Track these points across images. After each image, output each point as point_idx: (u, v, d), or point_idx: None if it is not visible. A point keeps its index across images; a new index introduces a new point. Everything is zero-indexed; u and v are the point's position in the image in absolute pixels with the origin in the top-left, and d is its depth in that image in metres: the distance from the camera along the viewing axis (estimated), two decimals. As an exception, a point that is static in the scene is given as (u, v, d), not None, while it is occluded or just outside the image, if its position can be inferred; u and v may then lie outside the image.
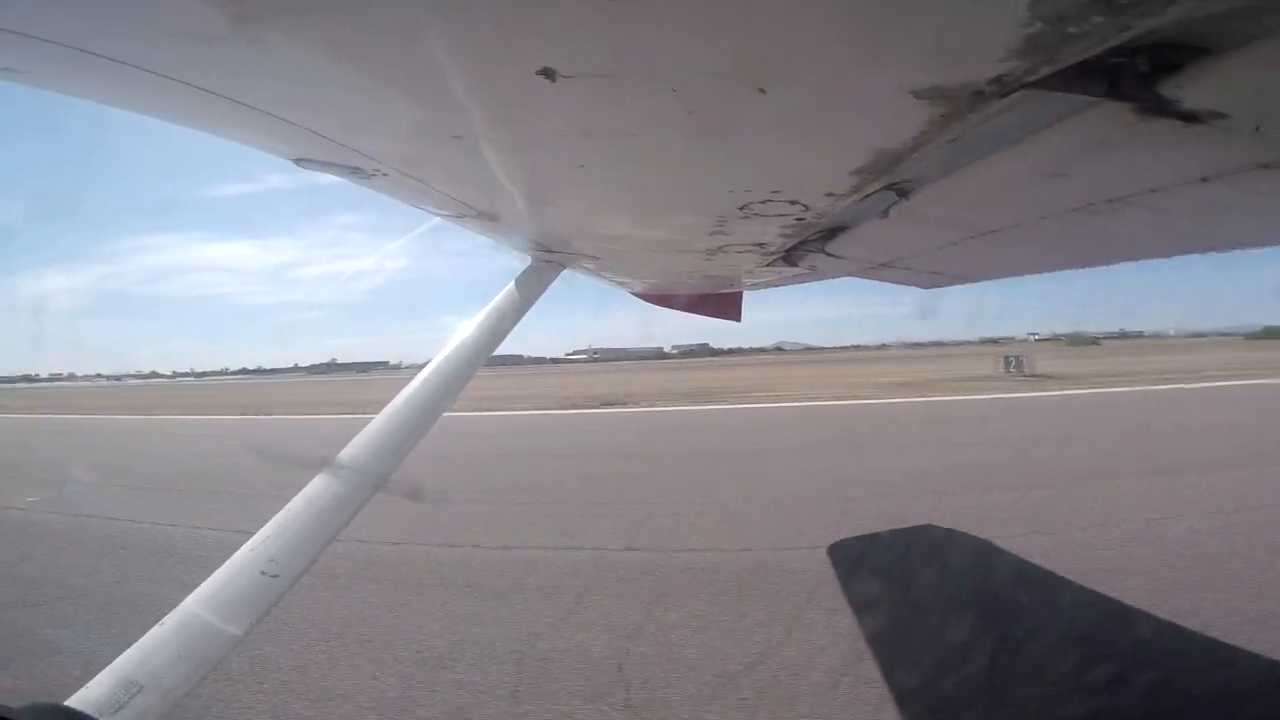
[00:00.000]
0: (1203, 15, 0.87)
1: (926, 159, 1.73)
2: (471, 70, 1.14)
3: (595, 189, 1.84)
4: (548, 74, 1.08)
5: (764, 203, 1.95)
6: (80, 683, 1.47)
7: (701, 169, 1.62)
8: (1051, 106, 1.23)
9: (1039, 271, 2.71)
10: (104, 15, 0.98)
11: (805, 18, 0.93)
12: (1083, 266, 2.43)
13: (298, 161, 1.79)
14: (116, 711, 1.40)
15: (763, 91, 1.12)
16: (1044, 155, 1.39)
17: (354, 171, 1.82)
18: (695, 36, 0.98)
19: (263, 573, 1.82)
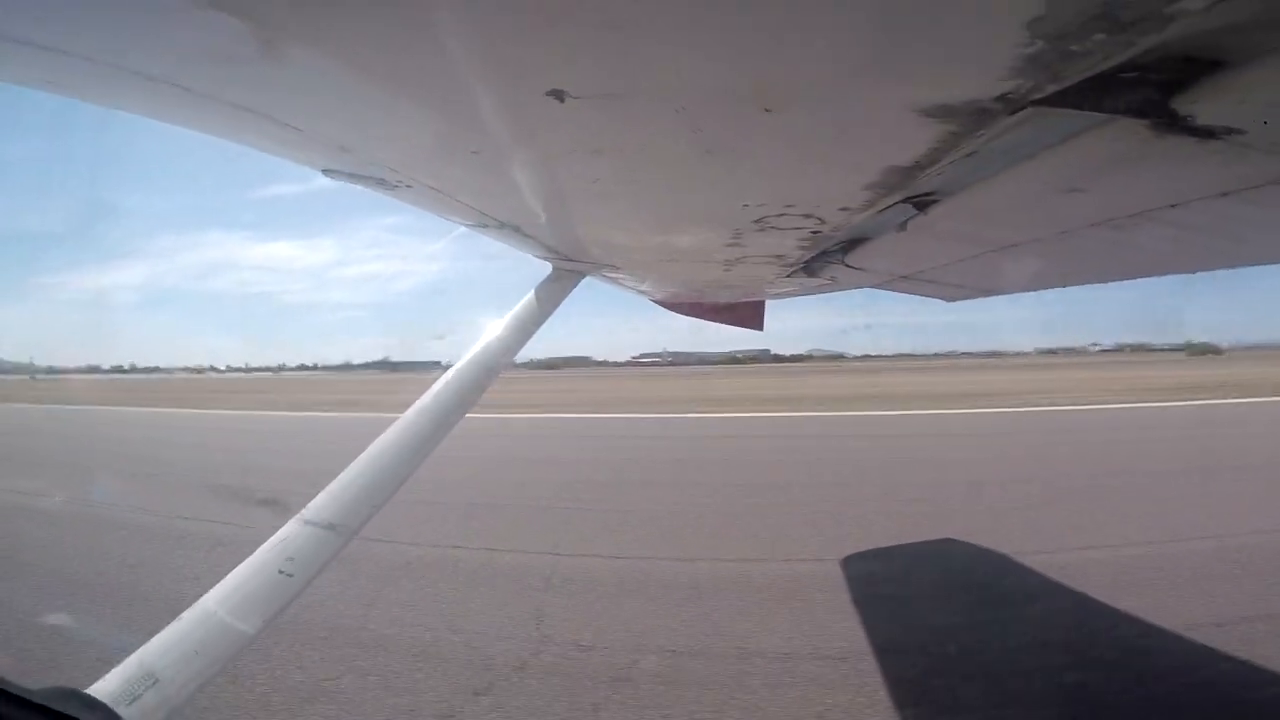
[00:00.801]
0: (1209, 30, 0.86)
1: (943, 174, 1.72)
2: (485, 91, 1.18)
3: (610, 203, 1.87)
4: (557, 95, 1.11)
5: (779, 216, 1.96)
6: (100, 674, 1.53)
7: (713, 185, 1.65)
8: (1065, 123, 1.23)
9: (1063, 285, 2.67)
10: (139, 37, 1.05)
11: (807, 39, 0.94)
12: (1106, 281, 2.38)
13: (326, 172, 1.85)
14: (131, 702, 1.45)
15: (768, 111, 1.14)
16: (1059, 171, 1.38)
17: (380, 183, 1.88)
18: (698, 59, 1.01)
19: (280, 571, 1.88)
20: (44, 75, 1.17)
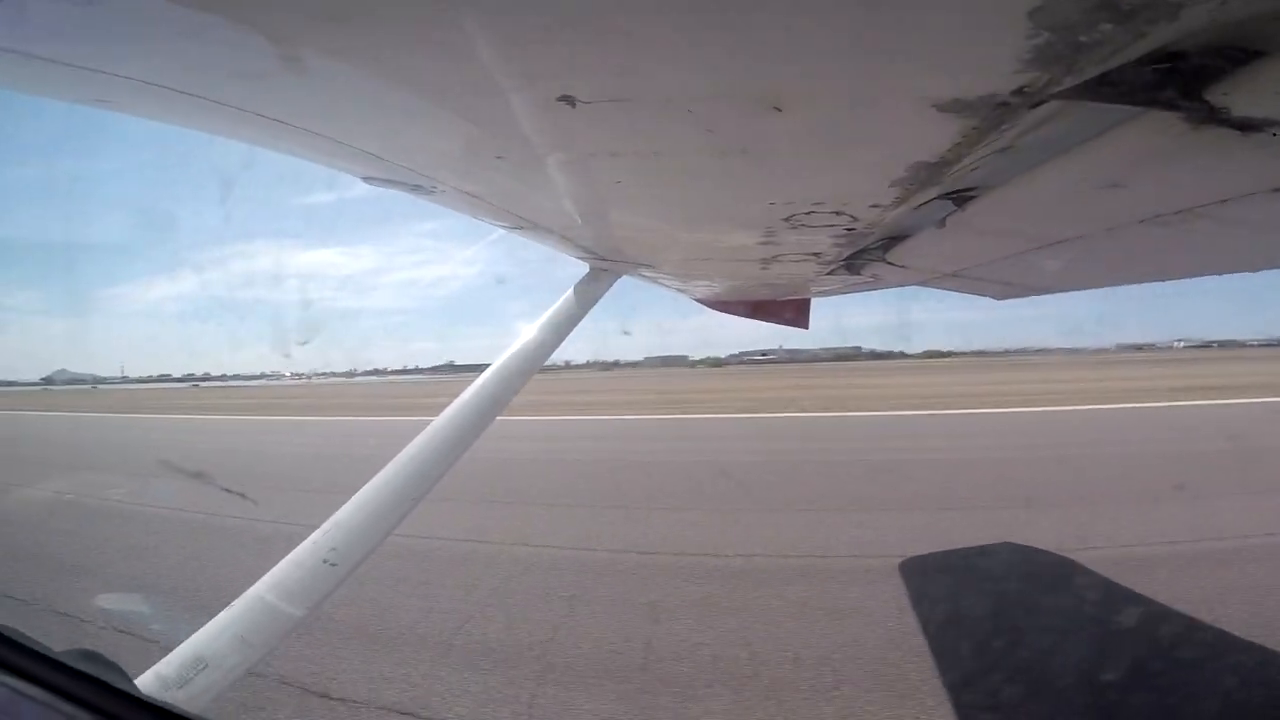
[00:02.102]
0: (1238, 20, 0.81)
1: (978, 169, 1.67)
2: (501, 99, 1.21)
3: (635, 205, 1.89)
4: (568, 100, 1.14)
5: (808, 214, 1.94)
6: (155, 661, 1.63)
7: (734, 184, 1.64)
8: (1096, 117, 1.18)
9: (1117, 284, 2.52)
10: (177, 58, 1.12)
11: (810, 39, 0.94)
12: (1163, 279, 2.24)
13: (366, 179, 1.94)
14: (182, 686, 1.56)
15: (778, 110, 1.13)
16: (1097, 166, 1.32)
17: (415, 189, 1.95)
18: (702, 62, 1.01)
19: (324, 561, 1.98)
20: (98, 94, 1.27)
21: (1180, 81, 0.93)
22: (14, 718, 0.71)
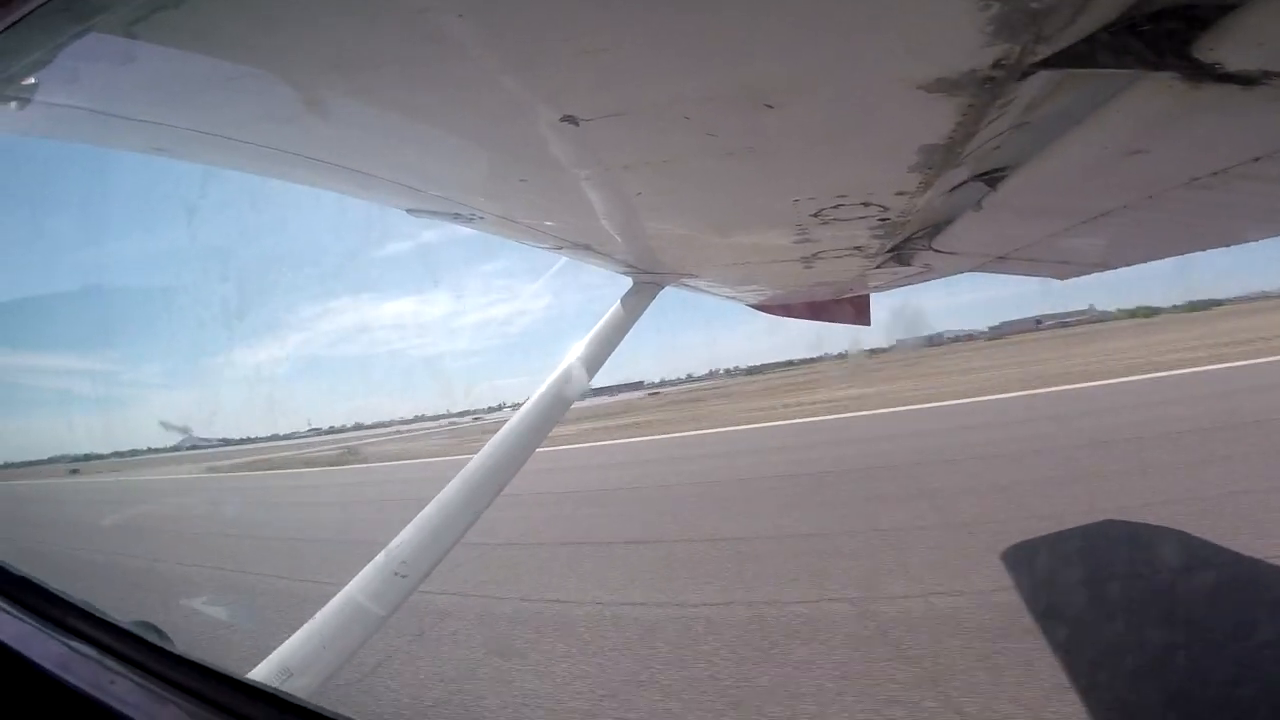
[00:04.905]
0: None
1: (1001, 147, 1.64)
2: (511, 125, 1.31)
3: (660, 214, 1.95)
4: (570, 120, 1.22)
5: (835, 208, 1.94)
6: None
7: (751, 185, 1.67)
8: (1098, 85, 1.15)
9: (1177, 254, 2.35)
10: (220, 108, 1.27)
11: (789, 33, 0.98)
12: (1220, 246, 2.07)
13: (410, 211, 2.09)
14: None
15: (770, 107, 1.17)
16: (1112, 134, 1.28)
17: (455, 217, 2.08)
18: (687, 68, 1.07)
19: (395, 573, 2.11)
20: (154, 143, 1.43)
21: (1162, 42, 0.91)
22: (69, 671, 0.82)
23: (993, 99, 1.13)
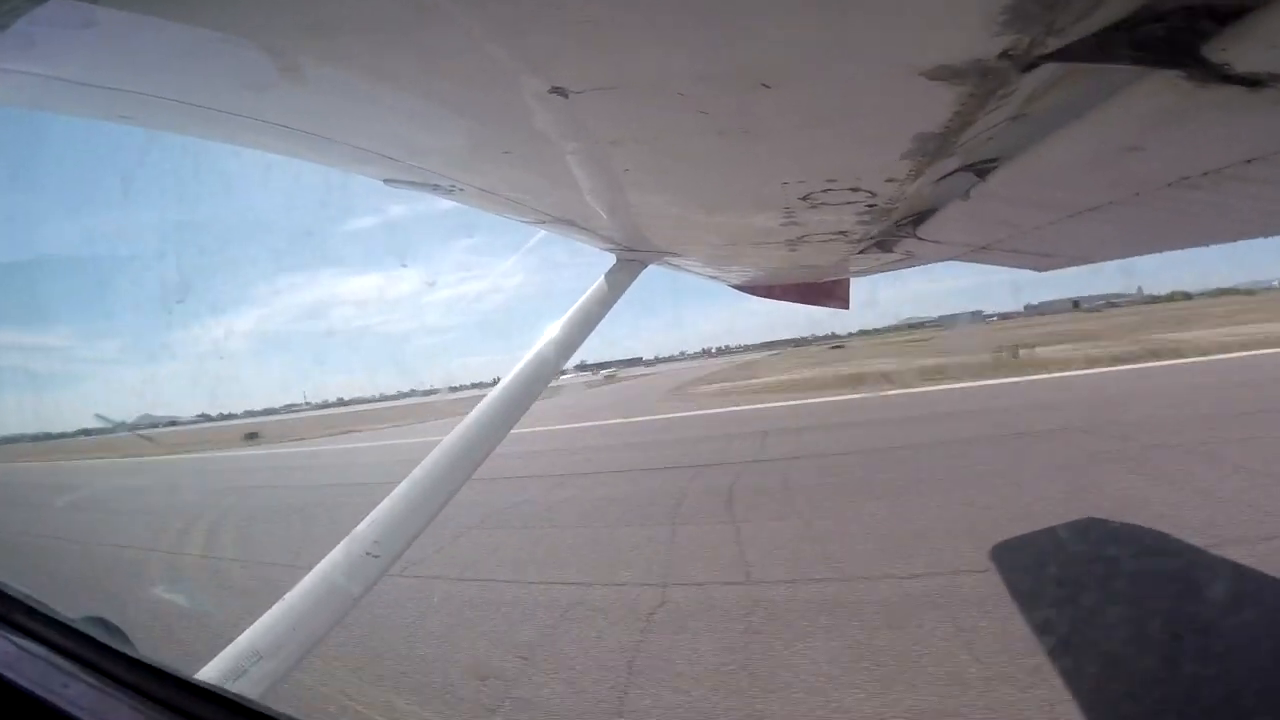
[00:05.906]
0: None
1: (995, 138, 1.62)
2: (497, 95, 1.25)
3: (647, 191, 1.90)
4: (560, 92, 1.16)
5: (824, 192, 1.91)
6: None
7: (741, 166, 1.63)
8: (1102, 80, 1.13)
9: (1159, 250, 2.38)
10: (190, 73, 1.19)
11: (790, 11, 0.93)
12: (1205, 244, 2.10)
13: (386, 181, 2.01)
14: (238, 678, 1.66)
15: (766, 87, 1.13)
16: (1111, 130, 1.26)
17: (435, 188, 2.01)
18: (684, 44, 1.02)
19: (367, 553, 2.07)
20: (120, 111, 1.35)
21: (1174, 40, 0.89)
22: (16, 671, 0.78)
23: (994, 90, 1.11)
